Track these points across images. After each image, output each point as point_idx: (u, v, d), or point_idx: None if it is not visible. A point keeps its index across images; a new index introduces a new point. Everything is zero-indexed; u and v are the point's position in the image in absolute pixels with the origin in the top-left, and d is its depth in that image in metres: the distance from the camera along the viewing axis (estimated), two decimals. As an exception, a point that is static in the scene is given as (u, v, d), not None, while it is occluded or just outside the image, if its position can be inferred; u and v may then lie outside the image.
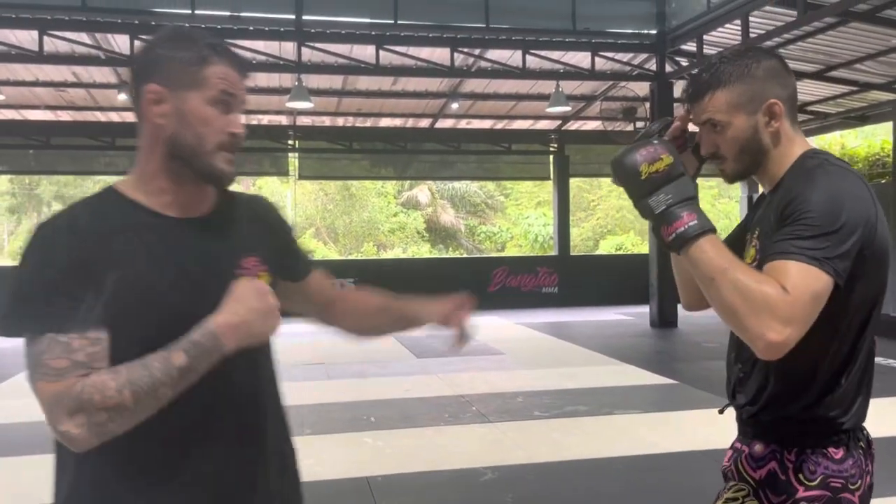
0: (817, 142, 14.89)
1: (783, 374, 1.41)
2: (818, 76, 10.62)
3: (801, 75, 10.67)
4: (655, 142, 1.39)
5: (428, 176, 20.38)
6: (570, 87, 11.32)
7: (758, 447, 1.44)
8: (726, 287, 1.28)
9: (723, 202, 25.35)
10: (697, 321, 11.09)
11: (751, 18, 8.62)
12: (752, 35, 8.73)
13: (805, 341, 1.34)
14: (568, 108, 11.71)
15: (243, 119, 1.31)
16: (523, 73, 10.20)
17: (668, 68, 10.56)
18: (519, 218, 26.30)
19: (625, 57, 10.63)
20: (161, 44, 1.26)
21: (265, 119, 13.09)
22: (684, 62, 10.57)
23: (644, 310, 11.35)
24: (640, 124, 12.15)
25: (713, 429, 5.17)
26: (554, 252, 14.85)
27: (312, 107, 10.73)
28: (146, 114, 1.24)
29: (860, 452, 1.43)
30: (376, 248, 25.22)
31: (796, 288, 1.25)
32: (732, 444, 1.55)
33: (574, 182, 22.58)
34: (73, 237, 1.17)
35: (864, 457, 1.43)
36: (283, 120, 13.26)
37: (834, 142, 14.51)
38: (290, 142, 13.69)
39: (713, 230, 1.33)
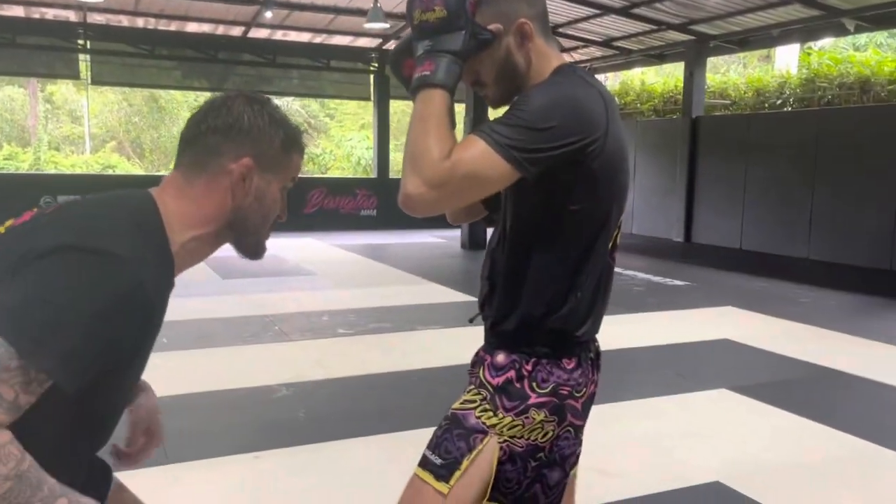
0: (621, 76, 15.81)
1: (522, 289, 1.44)
2: (623, 12, 11.15)
3: (608, 10, 11.16)
4: None
5: (246, 90, 19.23)
6: (390, 3, 11.04)
7: (500, 357, 1.48)
8: (412, 134, 1.32)
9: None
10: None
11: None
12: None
13: (540, 257, 1.40)
14: (386, 26, 11.45)
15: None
16: (341, -16, 9.78)
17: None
18: (342, 140, 25.81)
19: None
20: (265, 115, 1.27)
21: (49, 13, 11.60)
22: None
23: (457, 233, 11.69)
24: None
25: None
26: (373, 175, 14.76)
27: (103, 2, 9.63)
28: (230, 178, 1.24)
29: (589, 364, 1.52)
30: (188, 165, 23.71)
31: (460, 159, 1.28)
32: (477, 352, 1.57)
33: (399, 105, 22.46)
34: (141, 310, 1.12)
35: (591, 367, 1.53)
36: (72, 16, 11.83)
37: (635, 78, 15.47)
38: (80, 41, 12.28)
39: (445, 87, 1.33)
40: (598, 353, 1.60)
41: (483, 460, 1.41)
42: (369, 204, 14.06)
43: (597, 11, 11.33)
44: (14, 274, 1.05)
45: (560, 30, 12.81)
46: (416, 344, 5.41)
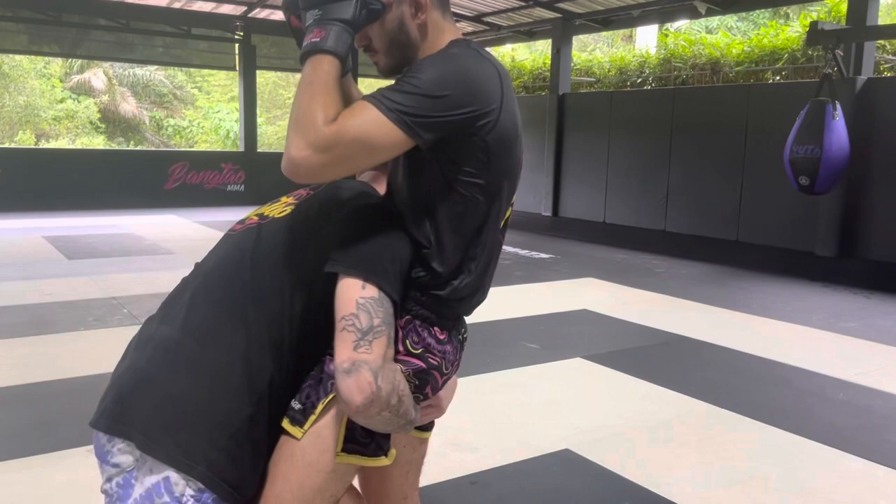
0: (493, 53, 15.92)
1: (418, 253, 1.41)
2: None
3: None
4: None
5: (100, 57, 17.96)
6: (253, -31, 10.54)
7: None
8: (298, 98, 1.28)
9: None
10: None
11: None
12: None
13: (434, 227, 1.38)
14: (251, -7, 10.95)
15: None
16: (198, -55, 9.22)
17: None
18: (210, 112, 24.66)
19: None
20: None
21: None
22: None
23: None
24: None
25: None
26: (240, 148, 14.18)
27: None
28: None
29: (458, 343, 1.52)
30: (35, 137, 21.94)
31: (348, 124, 1.24)
32: None
33: (269, 77, 21.74)
34: None
35: (459, 348, 1.53)
36: None
37: (506, 55, 15.67)
38: None
39: (335, 54, 1.30)
40: (465, 337, 1.58)
41: (337, 408, 1.35)
42: (236, 178, 13.51)
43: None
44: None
45: None
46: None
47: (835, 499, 2.79)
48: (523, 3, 11.83)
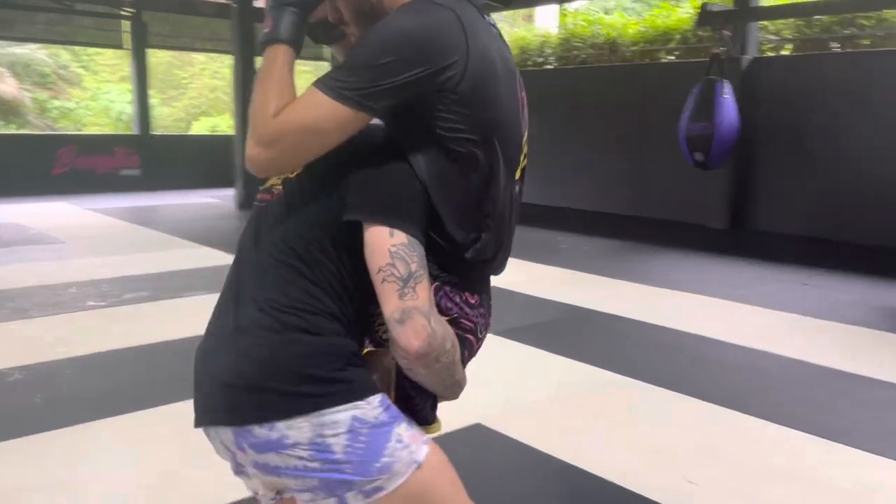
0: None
1: (436, 223, 1.37)
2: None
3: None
4: None
5: (-27, 34, 16.65)
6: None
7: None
8: (254, 95, 1.25)
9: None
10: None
11: None
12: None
13: (440, 192, 1.30)
14: (139, -34, 10.40)
15: None
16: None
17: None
18: (98, 93, 23.36)
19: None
20: None
21: None
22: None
23: (231, 192, 11.09)
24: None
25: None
26: (134, 131, 13.51)
27: None
28: None
29: (488, 307, 1.50)
30: None
31: (291, 112, 1.22)
32: None
33: (163, 56, 20.78)
34: None
35: (489, 312, 1.50)
36: None
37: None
38: None
39: (287, 42, 1.28)
40: (490, 302, 1.53)
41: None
42: (131, 162, 12.87)
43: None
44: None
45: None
46: (176, 313, 5.03)
47: (735, 458, 2.94)
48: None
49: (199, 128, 22.31)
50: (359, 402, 1.21)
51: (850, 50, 8.24)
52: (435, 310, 1.25)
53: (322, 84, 1.23)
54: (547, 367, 4.01)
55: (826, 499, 2.63)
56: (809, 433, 3.16)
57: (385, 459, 1.21)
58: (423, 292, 1.21)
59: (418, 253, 1.23)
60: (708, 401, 3.51)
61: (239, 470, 1.34)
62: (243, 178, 10.55)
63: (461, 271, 1.40)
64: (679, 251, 7.72)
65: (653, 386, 3.71)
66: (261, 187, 1.45)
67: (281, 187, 1.37)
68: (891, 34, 8.26)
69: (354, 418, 1.20)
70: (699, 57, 9.37)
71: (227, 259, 6.91)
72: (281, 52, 1.26)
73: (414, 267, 1.21)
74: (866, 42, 8.36)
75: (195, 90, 24.00)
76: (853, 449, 3.02)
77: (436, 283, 1.36)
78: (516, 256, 6.14)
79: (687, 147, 7.23)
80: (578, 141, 10.21)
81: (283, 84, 1.24)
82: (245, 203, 10.55)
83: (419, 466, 1.24)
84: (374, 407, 1.23)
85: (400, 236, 1.22)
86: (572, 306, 5.32)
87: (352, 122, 1.24)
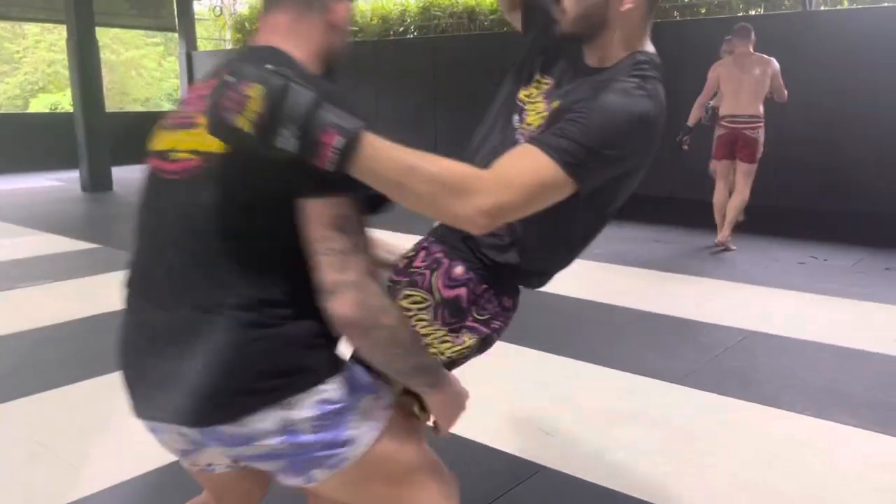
0: (251, 0, 15.17)
1: (530, 231, 1.39)
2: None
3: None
4: (230, 79, 1.01)
5: None
6: None
7: (458, 269, 1.44)
8: (420, 183, 1.13)
9: (170, 61, 24.51)
10: (137, 184, 10.62)
11: None
12: None
13: (559, 214, 1.28)
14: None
15: None
16: None
17: None
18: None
19: None
20: None
21: None
22: None
23: (76, 174, 10.33)
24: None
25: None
26: (-41, 110, 12.25)
27: None
28: (334, 17, 1.31)
29: (514, 312, 1.53)
30: None
31: (517, 171, 1.19)
32: (431, 249, 1.48)
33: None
34: None
35: (512, 315, 1.53)
36: None
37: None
38: None
39: (365, 126, 1.07)
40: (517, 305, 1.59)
41: None
42: (-43, 146, 11.71)
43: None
44: None
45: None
46: (12, 305, 4.63)
47: (587, 405, 3.07)
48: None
49: (38, 105, 20.60)
50: (321, 386, 1.22)
51: (688, 18, 8.73)
52: (373, 284, 1.20)
53: (548, 147, 1.20)
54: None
55: (670, 434, 2.80)
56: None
57: (349, 433, 1.24)
58: (359, 265, 1.18)
59: (359, 227, 1.21)
60: (558, 354, 3.65)
61: (187, 453, 1.34)
62: (88, 159, 9.84)
63: (514, 277, 1.48)
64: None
65: (508, 344, 3.81)
66: (154, 151, 1.32)
67: (196, 161, 1.22)
68: (722, 3, 8.83)
69: (320, 401, 1.22)
70: (553, 25, 9.62)
71: (72, 245, 6.47)
72: (374, 138, 1.10)
73: (350, 242, 1.18)
74: (703, 10, 8.89)
75: (30, 65, 22.07)
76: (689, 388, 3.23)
77: (484, 285, 1.44)
78: (388, 229, 6.07)
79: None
80: (442, 109, 10.27)
81: (424, 155, 1.16)
82: (90, 185, 9.85)
83: (380, 435, 1.28)
84: (336, 387, 1.24)
85: (343, 206, 1.17)
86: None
87: (566, 193, 1.23)
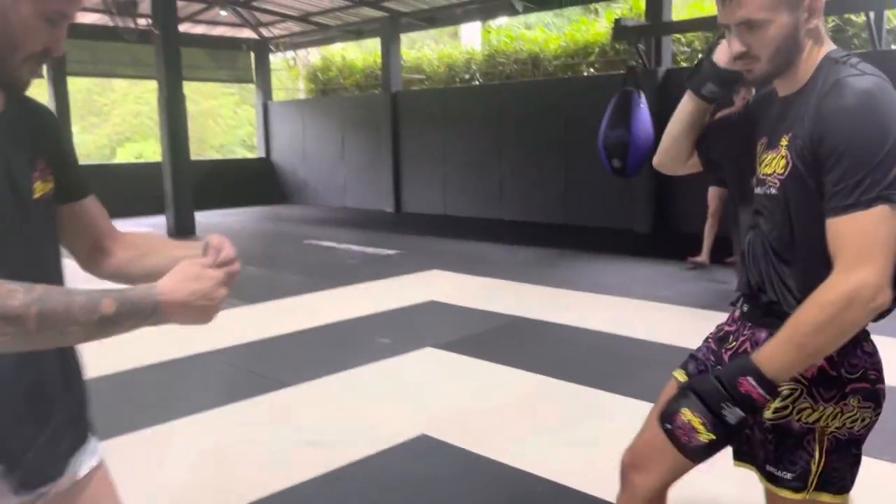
0: (323, 52, 15.88)
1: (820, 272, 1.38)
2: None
3: (301, -15, 11.11)
4: (669, 425, 1.38)
5: None
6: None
7: None
8: (820, 342, 1.29)
9: (244, 109, 25.65)
10: (217, 228, 11.15)
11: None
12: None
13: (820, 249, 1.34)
14: None
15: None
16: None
17: (168, -39, 9.92)
18: (14, 123, 22.56)
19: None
20: None
21: None
22: (186, -43, 10.05)
23: (163, 220, 10.94)
24: (142, 22, 11.28)
25: (220, 330, 5.29)
26: (57, 161, 13.17)
27: None
28: None
29: (877, 351, 1.50)
30: None
31: (864, 245, 1.26)
32: (760, 341, 1.49)
33: (82, 83, 20.25)
34: None
35: (879, 355, 1.50)
36: None
37: (336, 53, 15.66)
38: None
39: (752, 362, 1.32)
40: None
41: (819, 457, 1.43)
42: (55, 195, 12.56)
43: (290, -14, 11.25)
44: None
45: (255, 3, 12.49)
46: (119, 344, 4.99)
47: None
48: (350, 3, 11.91)
49: (125, 154, 21.84)
50: None
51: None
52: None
53: (855, 206, 1.26)
54: (487, 376, 4.17)
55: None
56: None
57: None
58: None
59: None
60: (639, 398, 3.74)
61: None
62: (174, 205, 10.43)
63: None
64: (606, 256, 8.04)
65: (586, 387, 3.92)
66: None
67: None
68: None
69: None
70: (618, 69, 9.79)
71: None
72: (759, 361, 1.33)
73: None
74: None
75: (118, 116, 23.46)
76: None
77: (847, 347, 1.39)
78: (452, 269, 6.30)
79: (605, 154, 7.55)
80: (506, 153, 10.49)
81: (787, 330, 1.31)
82: (176, 230, 10.43)
83: None
84: None
85: None
86: (508, 315, 5.51)
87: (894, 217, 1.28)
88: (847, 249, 1.27)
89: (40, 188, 1.23)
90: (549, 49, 11.25)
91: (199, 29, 13.64)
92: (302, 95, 16.26)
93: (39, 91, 20.80)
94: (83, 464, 1.35)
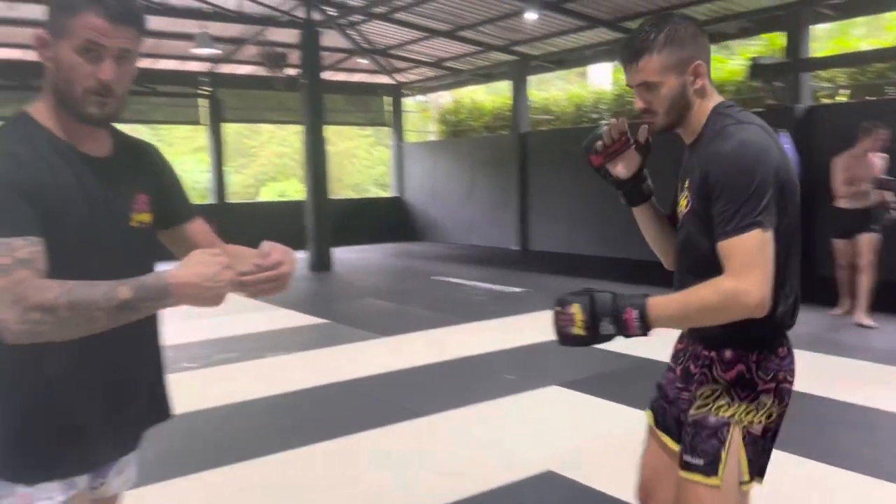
0: (454, 95, 16.41)
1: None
2: (450, 35, 11.68)
3: (436, 33, 11.63)
4: (557, 308, 1.65)
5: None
6: (217, 28, 10.87)
7: (728, 353, 1.71)
8: (700, 316, 1.60)
9: (379, 150, 26.82)
10: (352, 264, 11.73)
11: (388, -25, 9.14)
12: (389, -9, 9.27)
13: None
14: (216, 51, 11.26)
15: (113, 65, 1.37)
16: (163, 9, 9.53)
17: (315, 16, 10.72)
18: (174, 164, 24.74)
19: (272, 2, 10.52)
20: None
21: None
22: (332, 11, 10.81)
23: (303, 255, 11.65)
24: (290, 71, 12.18)
25: (356, 362, 5.60)
26: (211, 200, 14.36)
27: None
28: (39, 55, 1.38)
29: (792, 354, 1.76)
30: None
31: (746, 259, 1.53)
32: (696, 351, 1.79)
33: (233, 127, 21.94)
34: (8, 161, 1.31)
35: (793, 357, 1.76)
36: None
37: (466, 96, 16.15)
38: None
39: (645, 301, 1.59)
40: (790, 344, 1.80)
41: (734, 447, 1.65)
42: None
43: (426, 34, 11.79)
44: None
45: (392, 51, 13.17)
46: (262, 372, 5.42)
47: (800, 502, 3.06)
48: (481, 48, 12.31)
49: (268, 193, 23.36)
50: None
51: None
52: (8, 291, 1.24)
53: (735, 231, 1.53)
54: (613, 416, 4.19)
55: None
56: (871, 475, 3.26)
57: None
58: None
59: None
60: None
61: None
62: (315, 241, 11.09)
63: (771, 336, 1.72)
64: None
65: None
66: None
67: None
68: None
69: None
70: (754, 107, 9.54)
71: (304, 319, 7.36)
72: (655, 302, 1.59)
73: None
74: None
75: (264, 157, 25.21)
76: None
77: (755, 351, 1.68)
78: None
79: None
80: (636, 193, 10.40)
81: (686, 293, 1.59)
82: (316, 265, 11.06)
83: None
84: None
85: None
86: (636, 357, 5.48)
87: (771, 237, 1.55)
88: (734, 261, 1.54)
89: (137, 217, 1.51)
90: (680, 87, 11.11)
91: (339, 76, 14.52)
92: (433, 136, 16.87)
93: (198, 134, 22.73)
94: (124, 481, 1.66)
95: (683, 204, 1.75)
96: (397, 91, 15.53)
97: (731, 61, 10.90)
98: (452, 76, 14.25)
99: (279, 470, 3.52)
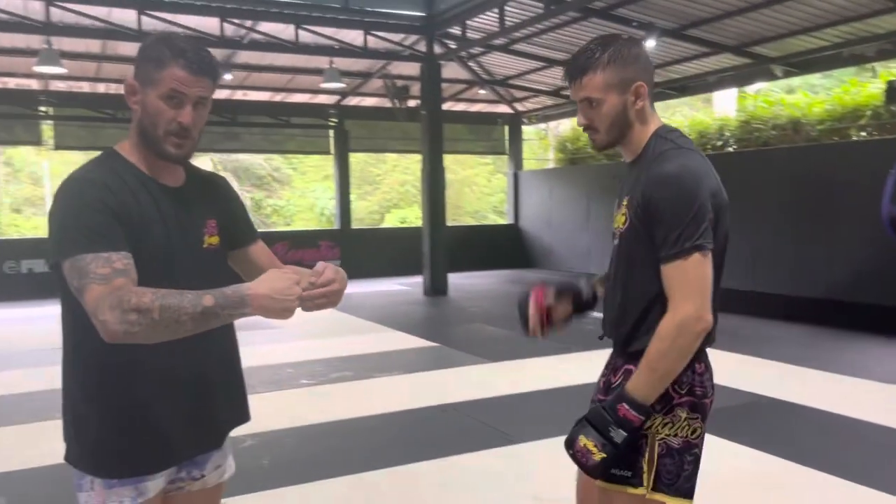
0: (573, 123, 16.39)
1: (654, 313, 1.72)
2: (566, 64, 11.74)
3: (554, 62, 11.72)
4: (571, 450, 1.73)
5: (208, 148, 19.51)
6: (344, 63, 11.48)
7: None
8: (667, 364, 1.63)
9: (497, 177, 27.09)
10: (466, 289, 11.91)
11: (506, 8, 9.35)
12: (507, 24, 9.47)
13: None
14: (342, 85, 11.87)
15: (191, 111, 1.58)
16: (297, 47, 10.19)
17: (436, 49, 11.10)
18: (306, 191, 26.12)
19: (396, 37, 11.00)
20: (145, 45, 1.59)
21: (11, 82, 11.82)
22: (452, 45, 11.17)
23: (420, 279, 11.96)
24: (413, 103, 12.63)
25: (464, 385, 5.72)
26: (336, 226, 15.03)
27: (65, 72, 9.93)
28: (127, 99, 1.60)
29: (710, 370, 1.78)
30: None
31: (688, 285, 1.61)
32: (616, 364, 1.85)
33: (359, 156, 22.92)
34: (102, 189, 1.51)
35: (711, 374, 1.78)
36: (34, 84, 12.05)
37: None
38: (43, 108, 12.47)
39: (624, 390, 1.67)
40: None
41: (652, 458, 1.70)
42: (332, 255, 14.28)
43: (544, 64, 11.91)
44: None
45: (512, 81, 13.38)
46: (375, 391, 5.64)
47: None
48: (599, 77, 12.26)
49: (391, 219, 24.15)
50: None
51: None
52: (110, 295, 1.43)
53: (677, 255, 1.61)
54: (719, 453, 4.06)
55: None
56: None
57: None
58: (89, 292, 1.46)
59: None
60: (886, 491, 3.42)
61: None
62: (430, 267, 11.37)
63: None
64: (872, 336, 7.27)
65: (833, 476, 3.66)
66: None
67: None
68: None
69: None
70: (893, 133, 8.96)
71: (416, 342, 7.58)
72: (633, 387, 1.67)
73: (78, 281, 1.47)
74: None
75: (387, 185, 26.09)
76: None
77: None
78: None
79: (892, 228, 6.89)
80: (763, 223, 9.98)
81: (644, 365, 1.66)
82: (430, 289, 11.32)
83: None
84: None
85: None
86: (748, 392, 5.27)
87: (709, 258, 1.63)
88: (674, 290, 1.62)
89: (208, 240, 1.70)
90: (811, 113, 10.59)
91: (459, 106, 14.88)
92: (551, 164, 16.88)
93: (328, 162, 23.91)
94: (221, 473, 1.84)
95: (621, 221, 1.79)
96: (516, 120, 15.71)
97: (870, 85, 10.29)
98: (571, 104, 14.24)
99: (383, 484, 3.67)
